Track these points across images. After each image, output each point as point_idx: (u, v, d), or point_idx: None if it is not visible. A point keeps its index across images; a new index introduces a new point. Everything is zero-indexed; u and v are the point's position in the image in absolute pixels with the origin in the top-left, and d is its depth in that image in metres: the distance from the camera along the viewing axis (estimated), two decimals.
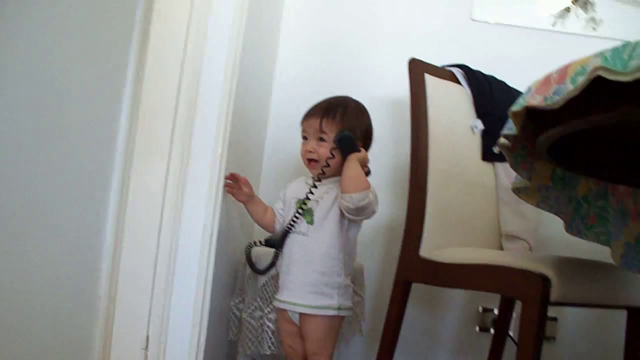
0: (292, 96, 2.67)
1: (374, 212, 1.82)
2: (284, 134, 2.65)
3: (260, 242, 2.16)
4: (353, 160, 1.79)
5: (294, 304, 1.83)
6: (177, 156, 1.81)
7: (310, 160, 1.87)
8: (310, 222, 1.84)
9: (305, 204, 1.84)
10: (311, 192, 1.84)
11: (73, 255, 1.49)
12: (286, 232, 1.87)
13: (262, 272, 1.98)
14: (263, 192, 2.55)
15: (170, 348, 1.82)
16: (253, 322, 2.13)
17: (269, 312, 2.10)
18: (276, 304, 1.90)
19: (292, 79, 2.70)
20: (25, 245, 1.27)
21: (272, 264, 1.90)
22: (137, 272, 1.77)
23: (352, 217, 1.81)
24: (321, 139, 1.85)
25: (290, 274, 1.85)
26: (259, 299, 2.13)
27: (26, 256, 1.28)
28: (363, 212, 1.79)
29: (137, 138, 1.76)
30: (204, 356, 1.85)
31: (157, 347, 1.79)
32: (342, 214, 1.82)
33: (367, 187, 1.77)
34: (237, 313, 2.22)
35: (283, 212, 1.97)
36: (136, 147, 1.76)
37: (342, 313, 1.85)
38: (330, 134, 1.84)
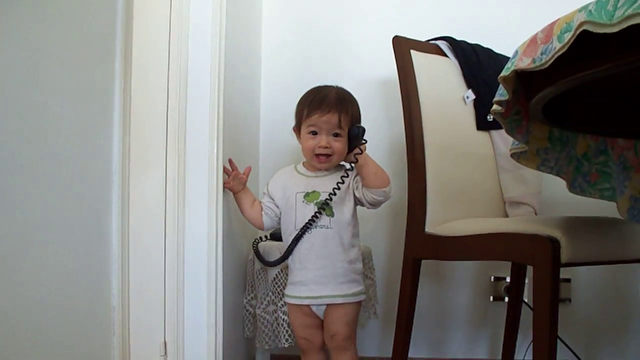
0: (280, 87, 2.67)
1: None
2: (276, 127, 2.64)
3: (266, 237, 2.16)
4: (366, 154, 1.81)
5: (325, 297, 1.81)
6: (172, 163, 1.81)
7: (320, 155, 1.83)
8: (331, 215, 1.82)
9: (330, 199, 1.81)
10: (338, 188, 1.81)
11: (84, 271, 1.50)
12: (305, 229, 1.82)
13: (275, 264, 1.96)
14: (263, 187, 2.54)
15: (189, 351, 1.82)
16: (267, 316, 2.13)
17: (282, 305, 2.10)
18: (297, 301, 1.86)
19: (277, 70, 2.70)
20: (38, 265, 1.28)
21: (286, 256, 1.87)
22: (147, 280, 1.78)
23: (375, 207, 1.88)
24: (336, 134, 1.82)
25: (317, 269, 1.82)
26: (270, 294, 2.13)
27: (40, 276, 1.29)
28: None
29: (131, 151, 1.75)
30: (222, 356, 1.85)
31: (175, 352, 1.80)
32: (354, 203, 1.86)
33: (387, 176, 1.82)
34: (251, 310, 2.22)
35: (272, 205, 1.94)
36: (131, 159, 1.75)
37: (364, 297, 1.90)
38: (346, 129, 1.81)
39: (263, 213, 1.95)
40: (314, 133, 1.83)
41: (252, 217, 1.97)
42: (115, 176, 1.64)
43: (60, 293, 1.37)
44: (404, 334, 2.04)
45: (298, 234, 1.83)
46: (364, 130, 1.83)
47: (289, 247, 1.85)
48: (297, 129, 1.91)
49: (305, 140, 1.85)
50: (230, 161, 1.92)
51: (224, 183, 1.89)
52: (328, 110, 1.81)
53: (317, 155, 1.83)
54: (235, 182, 1.94)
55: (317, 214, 1.81)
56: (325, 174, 1.88)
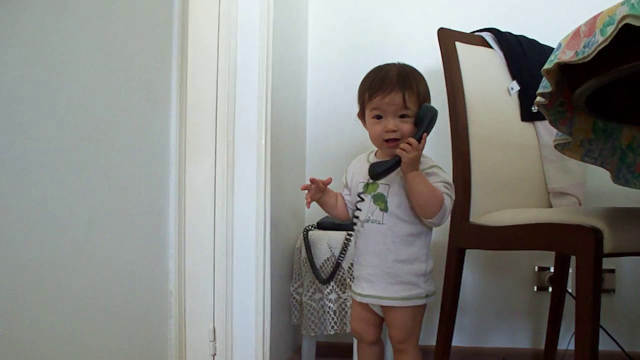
0: (327, 77, 2.71)
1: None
2: (323, 117, 2.69)
3: (313, 226, 2.20)
4: (414, 178, 1.58)
5: (380, 298, 1.66)
6: (222, 153, 1.86)
7: (389, 140, 1.63)
8: (384, 209, 1.64)
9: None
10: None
11: (144, 257, 1.55)
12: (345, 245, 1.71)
13: (326, 282, 1.95)
14: (309, 174, 2.59)
15: (237, 338, 1.87)
16: (314, 304, 2.17)
17: (328, 293, 2.14)
18: (357, 298, 1.71)
19: (324, 61, 2.73)
20: (104, 252, 1.34)
21: (333, 274, 1.82)
22: (199, 267, 1.83)
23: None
24: (403, 116, 1.61)
25: (368, 266, 1.67)
26: (317, 282, 2.16)
27: (106, 261, 1.34)
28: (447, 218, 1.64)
29: (187, 142, 1.80)
30: (270, 342, 1.89)
31: (223, 337, 1.85)
32: None
33: (441, 201, 1.58)
34: (298, 297, 2.26)
35: (348, 196, 1.78)
36: (187, 150, 1.80)
37: (429, 300, 1.70)
38: (414, 109, 1.61)
39: (347, 207, 1.78)
40: (379, 117, 1.64)
41: (339, 215, 1.80)
42: (172, 166, 1.68)
43: (122, 278, 1.43)
44: (448, 323, 2.06)
45: (342, 248, 1.74)
46: (433, 112, 1.62)
47: (336, 262, 1.80)
48: (362, 115, 1.71)
49: (371, 126, 1.66)
50: (311, 180, 1.73)
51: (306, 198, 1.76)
52: (390, 89, 1.60)
53: (387, 140, 1.63)
54: (313, 192, 1.74)
55: (347, 238, 1.70)
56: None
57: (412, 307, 1.66)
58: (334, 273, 1.87)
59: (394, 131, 1.61)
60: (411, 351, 1.69)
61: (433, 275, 1.69)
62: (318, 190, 1.74)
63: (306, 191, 1.74)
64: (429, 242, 1.70)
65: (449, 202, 1.60)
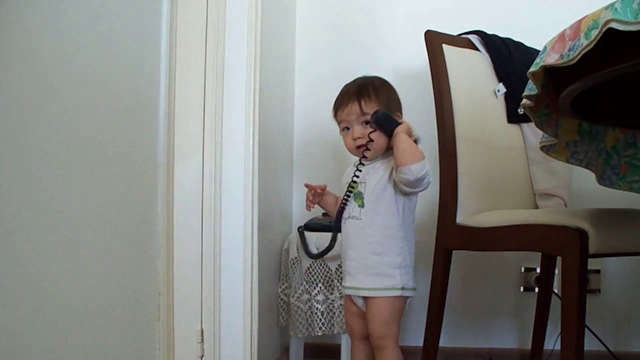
0: (314, 78, 2.74)
1: (429, 183, 1.72)
2: (309, 119, 2.70)
3: (300, 228, 2.20)
4: (401, 133, 1.69)
5: (357, 289, 1.77)
6: (209, 154, 1.85)
7: (360, 147, 1.77)
8: (361, 205, 1.76)
9: (352, 187, 1.77)
10: (356, 176, 1.76)
11: (133, 259, 1.54)
12: (339, 215, 1.79)
13: (318, 256, 1.97)
14: (296, 176, 2.60)
15: (225, 339, 1.87)
16: (302, 305, 2.17)
17: (316, 294, 2.14)
18: (343, 290, 1.85)
19: (311, 63, 2.75)
20: (93, 252, 1.33)
21: (329, 249, 1.87)
22: (187, 268, 1.82)
23: (410, 189, 1.72)
24: (366, 122, 1.76)
25: (349, 260, 1.79)
26: (304, 283, 2.17)
27: (94, 262, 1.33)
28: (421, 183, 1.69)
29: (175, 143, 1.80)
30: (257, 344, 1.90)
31: (211, 338, 1.85)
32: (395, 192, 1.75)
33: (423, 156, 1.67)
34: (285, 298, 2.27)
35: None
36: (175, 152, 1.80)
37: (406, 293, 1.76)
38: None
39: None
40: (347, 129, 1.80)
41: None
42: (160, 168, 1.67)
43: (110, 278, 1.42)
44: (435, 323, 2.06)
45: (335, 221, 1.81)
46: (383, 114, 1.72)
47: (332, 235, 1.86)
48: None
49: (344, 139, 1.82)
50: (306, 186, 1.91)
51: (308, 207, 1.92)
52: (347, 101, 1.78)
53: (357, 147, 1.77)
54: (314, 198, 1.91)
55: (343, 201, 1.79)
56: (369, 163, 1.79)
57: (389, 298, 1.73)
58: (330, 246, 1.89)
59: (359, 138, 1.77)
60: (391, 347, 1.74)
61: (420, 276, 1.73)
62: (316, 195, 1.91)
63: (304, 193, 1.88)
64: (407, 237, 1.78)
65: (429, 167, 1.69)
